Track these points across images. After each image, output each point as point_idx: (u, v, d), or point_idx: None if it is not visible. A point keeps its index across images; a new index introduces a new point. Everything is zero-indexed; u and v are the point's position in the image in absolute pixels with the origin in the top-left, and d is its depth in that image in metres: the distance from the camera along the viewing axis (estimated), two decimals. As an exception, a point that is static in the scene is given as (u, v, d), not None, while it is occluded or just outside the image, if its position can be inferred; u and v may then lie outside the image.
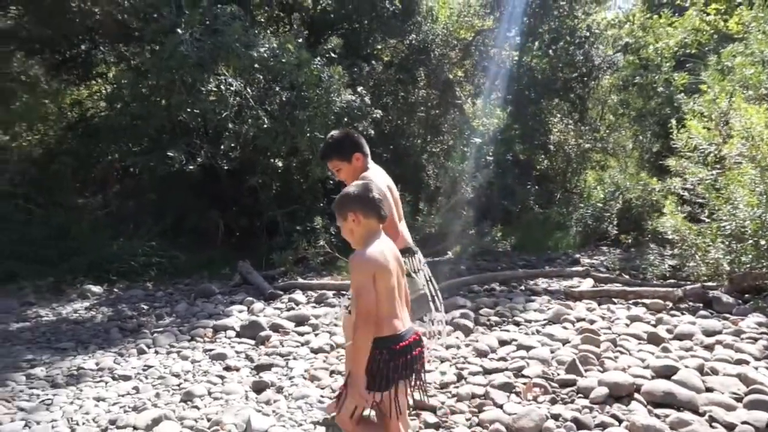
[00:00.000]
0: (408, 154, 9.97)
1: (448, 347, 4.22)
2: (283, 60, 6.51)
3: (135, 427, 3.01)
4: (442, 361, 3.95)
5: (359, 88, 7.50)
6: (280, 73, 6.67)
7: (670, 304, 5.31)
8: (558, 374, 3.65)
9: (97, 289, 6.12)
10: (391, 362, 2.14)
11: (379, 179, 2.67)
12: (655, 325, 4.75)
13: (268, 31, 7.87)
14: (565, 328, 4.67)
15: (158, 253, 6.90)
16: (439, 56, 10.39)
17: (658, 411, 3.08)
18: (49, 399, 3.45)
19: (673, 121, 6.72)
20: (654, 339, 4.27)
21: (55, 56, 8.74)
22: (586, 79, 10.84)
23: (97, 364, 4.03)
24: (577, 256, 8.68)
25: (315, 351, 4.20)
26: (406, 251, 2.68)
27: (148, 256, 6.81)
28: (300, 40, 7.70)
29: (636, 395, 3.26)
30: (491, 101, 12.96)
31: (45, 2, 7.52)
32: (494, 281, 6.56)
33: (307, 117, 6.63)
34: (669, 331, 4.55)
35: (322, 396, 3.43)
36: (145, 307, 5.54)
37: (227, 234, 7.88)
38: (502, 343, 4.30)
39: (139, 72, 6.81)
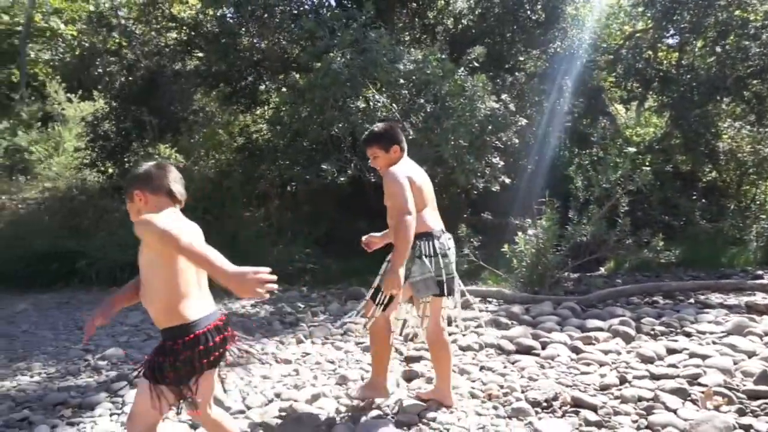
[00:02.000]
0: (554, 165, 9.57)
1: (606, 352, 3.92)
2: (428, 71, 6.70)
3: (296, 400, 3.21)
4: (600, 365, 3.68)
5: (503, 96, 7.42)
6: (425, 85, 6.86)
7: None
8: (744, 385, 3.20)
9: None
10: (179, 354, 1.97)
11: (405, 169, 2.86)
12: None
13: (412, 49, 8.16)
14: (750, 341, 4.08)
15: (312, 261, 7.39)
16: (587, 63, 9.92)
17: None
18: (224, 374, 3.82)
19: None
20: None
21: (227, 89, 9.93)
22: (765, 74, 9.54)
23: (262, 349, 4.40)
24: (760, 272, 7.59)
25: (463, 348, 4.16)
26: (424, 235, 2.84)
27: (304, 262, 7.32)
28: (443, 57, 7.87)
29: None
30: (646, 108, 12.01)
31: (221, 42, 8.63)
32: (658, 292, 5.97)
33: (451, 126, 6.71)
34: None
35: (472, 387, 3.37)
36: (302, 305, 5.94)
37: (374, 244, 8.18)
38: (671, 351, 3.89)
39: (297, 94, 7.47)
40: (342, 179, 7.09)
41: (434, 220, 2.93)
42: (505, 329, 4.67)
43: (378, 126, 3.05)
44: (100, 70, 11.00)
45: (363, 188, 8.13)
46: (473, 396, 3.27)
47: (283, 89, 8.35)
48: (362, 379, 3.63)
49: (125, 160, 10.08)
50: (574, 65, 9.86)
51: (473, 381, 3.51)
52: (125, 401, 3.37)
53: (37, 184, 11.63)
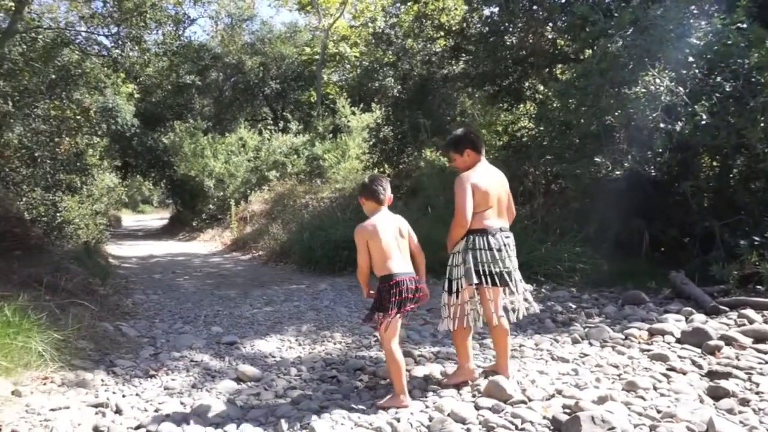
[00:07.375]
0: None
1: None
2: (729, 42, 5.67)
3: (580, 399, 3.03)
4: None
5: (842, 61, 5.83)
6: (723, 59, 5.84)
7: None
8: None
9: (527, 286, 6.61)
10: (390, 291, 3.07)
11: (475, 175, 3.31)
12: None
13: (702, 23, 7.05)
14: None
15: (582, 260, 6.97)
16: None
17: None
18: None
19: None
20: None
21: (492, 88, 10.09)
22: None
23: (536, 344, 4.31)
24: None
25: (787, 370, 3.39)
26: (479, 231, 3.29)
27: (573, 261, 6.95)
28: (745, 26, 6.59)
29: None
30: None
31: (489, 41, 8.81)
32: None
33: (760, 105, 5.56)
34: None
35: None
36: (573, 306, 5.64)
37: (652, 246, 7.31)
38: None
39: (567, 84, 7.13)
40: (617, 173, 6.52)
41: (493, 220, 3.35)
42: None
43: (455, 131, 3.59)
44: (377, 84, 12.37)
45: (640, 183, 7.34)
46: None
47: (551, 82, 8.09)
48: (654, 388, 3.25)
49: (400, 161, 11.11)
50: None
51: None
52: (411, 375, 3.66)
53: (329, 185, 13.71)
